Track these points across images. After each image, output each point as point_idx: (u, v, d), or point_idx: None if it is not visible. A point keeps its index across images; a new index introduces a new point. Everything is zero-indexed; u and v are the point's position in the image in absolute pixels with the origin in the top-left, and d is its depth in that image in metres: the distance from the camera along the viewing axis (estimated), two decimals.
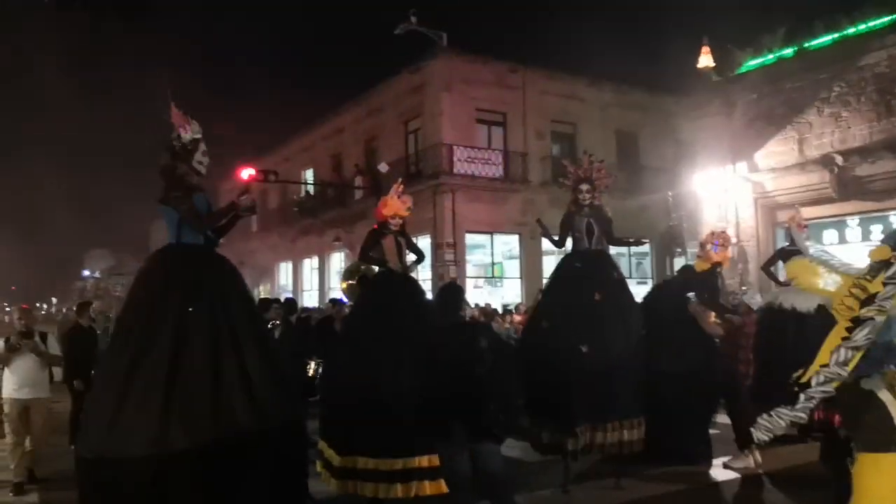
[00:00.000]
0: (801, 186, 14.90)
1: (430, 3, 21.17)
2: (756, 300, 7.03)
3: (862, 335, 2.63)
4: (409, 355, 5.05)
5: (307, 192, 26.77)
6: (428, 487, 4.81)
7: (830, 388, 2.70)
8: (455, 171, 19.38)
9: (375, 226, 5.95)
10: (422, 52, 20.56)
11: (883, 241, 2.85)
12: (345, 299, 11.41)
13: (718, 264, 7.45)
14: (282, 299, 11.08)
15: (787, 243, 7.67)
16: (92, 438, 3.69)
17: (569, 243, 6.72)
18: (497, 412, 4.77)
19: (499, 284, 21.19)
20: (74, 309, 12.24)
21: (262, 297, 19.46)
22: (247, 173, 16.92)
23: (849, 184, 14.14)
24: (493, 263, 21.26)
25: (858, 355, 2.65)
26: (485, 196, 19.96)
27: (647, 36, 42.07)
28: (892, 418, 2.70)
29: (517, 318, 13.80)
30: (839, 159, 14.11)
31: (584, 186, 6.58)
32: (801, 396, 2.75)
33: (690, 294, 7.02)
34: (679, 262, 17.89)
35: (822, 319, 3.00)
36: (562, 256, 6.94)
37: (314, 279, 27.65)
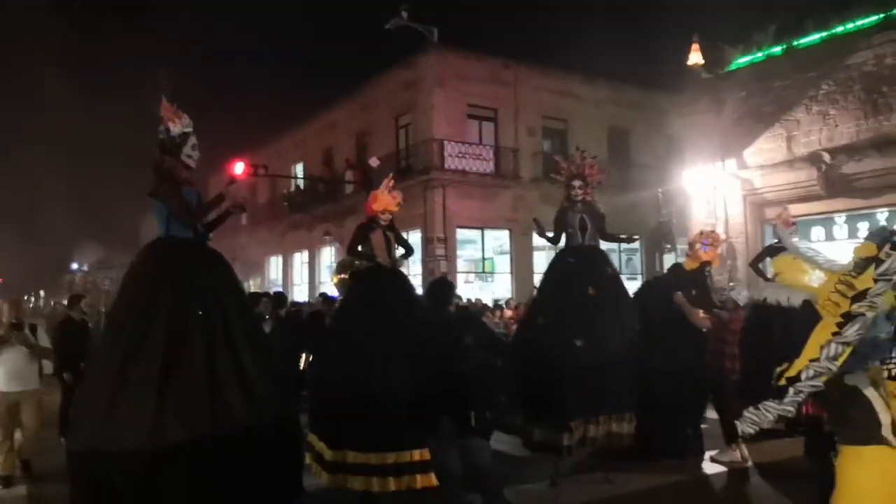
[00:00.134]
0: (790, 184, 15.00)
1: None
2: (743, 296, 7.08)
3: (853, 331, 2.66)
4: (397, 350, 5.07)
5: (297, 186, 26.70)
6: (419, 481, 4.85)
7: (820, 382, 2.73)
8: (446, 166, 19.37)
9: (365, 220, 5.96)
10: (413, 47, 20.52)
11: (868, 238, 2.88)
12: (336, 293, 11.41)
13: (707, 263, 7.49)
14: (271, 293, 11.08)
15: (776, 240, 7.74)
16: (84, 432, 3.67)
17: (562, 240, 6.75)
18: (483, 408, 4.80)
19: (489, 280, 21.23)
20: (64, 302, 12.14)
21: (251, 291, 19.41)
22: (238, 167, 16.85)
23: (836, 181, 14.24)
24: (483, 259, 21.29)
25: (848, 350, 2.67)
26: (475, 192, 19.96)
27: (639, 33, 42.10)
28: (875, 413, 2.74)
29: (508, 313, 13.86)
30: (827, 157, 14.21)
31: (577, 182, 6.62)
32: (790, 390, 2.77)
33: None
34: (668, 258, 18.01)
35: (807, 315, 3.03)
36: (555, 252, 6.98)
37: (304, 273, 27.60)
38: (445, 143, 19.45)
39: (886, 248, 2.70)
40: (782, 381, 2.81)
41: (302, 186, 26.35)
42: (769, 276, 7.58)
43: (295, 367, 8.00)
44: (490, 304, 15.93)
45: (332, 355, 5.63)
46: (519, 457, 6.48)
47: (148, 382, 3.62)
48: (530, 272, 20.36)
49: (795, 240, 3.40)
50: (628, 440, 6.01)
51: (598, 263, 6.55)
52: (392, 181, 5.99)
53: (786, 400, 2.79)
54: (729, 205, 16.34)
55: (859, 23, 14.23)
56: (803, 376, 2.74)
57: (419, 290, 7.12)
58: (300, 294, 25.54)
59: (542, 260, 19.81)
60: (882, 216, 14.07)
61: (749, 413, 2.88)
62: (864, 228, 13.82)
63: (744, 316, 6.63)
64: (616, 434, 5.97)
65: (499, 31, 44.45)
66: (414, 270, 18.07)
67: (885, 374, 2.83)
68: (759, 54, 16.03)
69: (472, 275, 20.97)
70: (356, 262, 5.96)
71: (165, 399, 3.59)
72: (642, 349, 6.27)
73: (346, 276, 6.26)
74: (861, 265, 2.76)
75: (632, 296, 7.02)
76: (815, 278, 2.98)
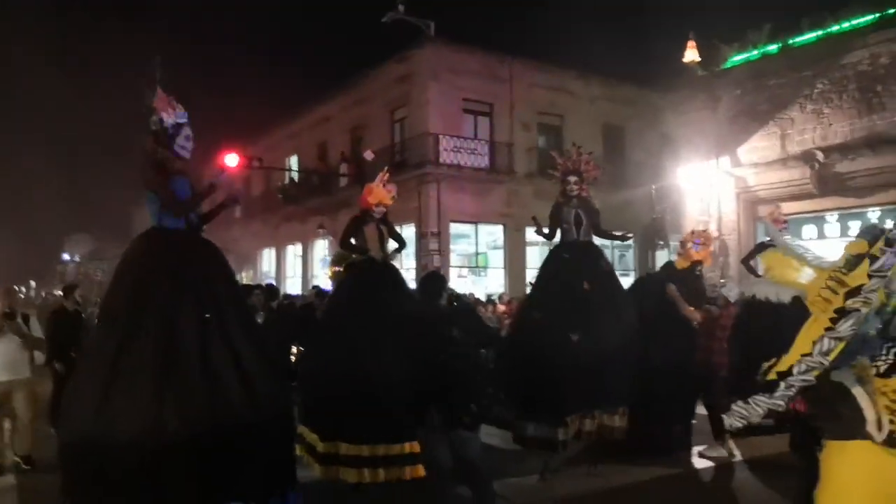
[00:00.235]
0: (783, 182, 15.08)
1: None
2: (734, 293, 7.12)
3: (846, 326, 2.67)
4: (388, 343, 5.09)
5: (291, 179, 26.64)
6: (408, 472, 4.89)
7: (811, 376, 2.74)
8: (441, 160, 19.36)
9: (358, 213, 5.97)
10: (409, 40, 20.46)
11: (859, 236, 2.90)
12: (330, 286, 11.37)
13: (699, 262, 7.53)
14: (264, 286, 11.04)
15: (768, 238, 7.77)
16: (77, 423, 3.64)
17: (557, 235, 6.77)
18: (468, 400, 4.81)
19: (483, 274, 21.27)
20: (56, 292, 12.07)
21: (244, 283, 19.37)
22: (233, 159, 16.77)
23: (829, 180, 14.32)
24: (477, 253, 21.32)
25: (841, 345, 2.69)
26: (470, 186, 19.97)
27: (635, 30, 42.08)
28: (861, 410, 2.76)
29: (501, 307, 13.88)
30: (820, 156, 14.28)
31: (573, 178, 6.63)
32: (782, 384, 2.79)
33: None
34: (661, 255, 18.08)
35: (797, 311, 3.05)
36: (550, 248, 7.00)
37: (297, 266, 27.57)
38: (440, 137, 19.43)
39: (881, 244, 2.72)
40: (772, 376, 2.83)
41: (296, 179, 26.29)
42: (760, 272, 7.63)
43: (286, 359, 8.00)
44: (483, 298, 15.95)
45: (322, 348, 5.64)
46: (509, 450, 6.51)
47: (142, 373, 3.59)
48: (523, 267, 20.41)
49: (787, 238, 3.41)
50: (620, 434, 6.04)
51: (593, 259, 6.57)
52: (387, 174, 6.00)
53: (776, 394, 2.81)
54: (722, 202, 16.41)
55: (855, 22, 14.29)
56: (795, 371, 2.75)
57: (412, 285, 7.13)
58: (293, 287, 25.49)
59: (535, 255, 19.85)
60: (874, 215, 14.16)
61: (738, 407, 2.89)
62: (855, 227, 13.91)
63: (734, 313, 6.68)
64: (608, 428, 6.00)
65: (495, 26, 44.36)
66: (407, 264, 18.08)
67: (874, 370, 2.85)
68: (755, 52, 16.08)
69: (466, 269, 21.00)
70: (353, 256, 5.97)
71: (160, 390, 3.56)
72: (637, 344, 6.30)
73: (341, 269, 6.26)
74: (852, 262, 2.78)
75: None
76: (804, 275, 3.00)
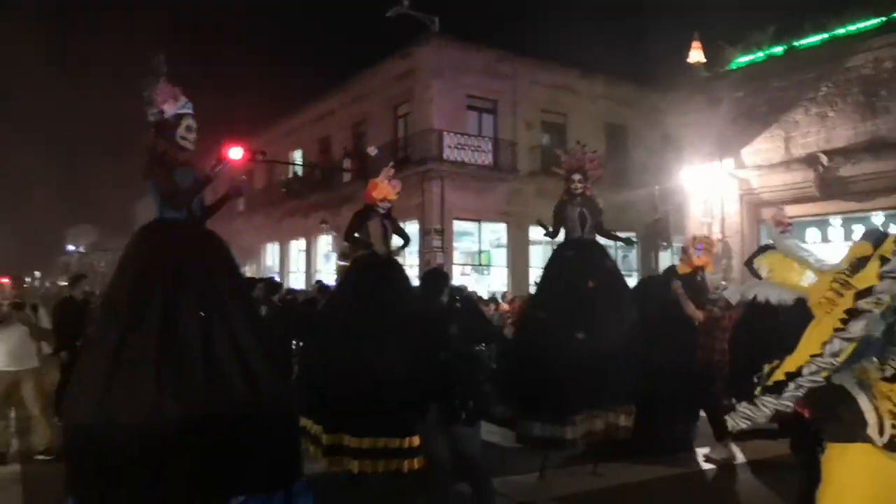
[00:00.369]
0: (786, 184, 15.06)
1: None
2: (735, 297, 7.11)
3: (858, 327, 2.67)
4: (389, 339, 5.11)
5: (294, 173, 26.64)
6: (406, 465, 4.94)
7: (820, 377, 2.75)
8: (444, 157, 19.33)
9: (363, 208, 5.97)
10: (413, 36, 20.44)
11: (863, 239, 2.91)
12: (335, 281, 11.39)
13: (701, 268, 7.51)
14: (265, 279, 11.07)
15: (771, 240, 7.76)
16: (80, 412, 3.66)
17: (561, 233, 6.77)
18: (466, 397, 4.82)
19: (485, 272, 21.25)
20: (59, 283, 12.08)
21: (246, 276, 19.37)
22: (237, 152, 16.73)
23: (832, 183, 14.31)
24: (480, 251, 21.29)
25: (852, 346, 2.69)
26: (473, 184, 19.95)
27: (638, 30, 42.05)
28: (861, 413, 2.77)
29: (504, 306, 13.88)
30: (824, 159, 14.26)
31: (577, 176, 6.63)
32: (790, 385, 2.78)
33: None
34: (664, 256, 18.06)
35: (798, 314, 3.06)
36: (554, 247, 6.99)
37: (301, 261, 27.57)
38: (444, 133, 19.40)
39: (892, 246, 2.72)
40: (780, 377, 2.82)
41: (300, 173, 26.28)
42: (762, 274, 7.59)
43: (287, 352, 8.03)
44: (486, 297, 15.94)
45: (326, 343, 5.66)
46: (509, 448, 6.51)
47: (144, 366, 3.61)
48: (526, 266, 20.40)
49: (790, 240, 3.41)
50: (625, 433, 6.03)
51: (597, 257, 6.57)
52: (392, 170, 6.00)
53: (785, 394, 2.80)
54: (725, 204, 16.41)
55: (858, 25, 14.26)
56: (805, 371, 2.75)
57: (415, 282, 7.14)
58: (297, 281, 25.52)
59: (538, 254, 19.84)
60: (877, 219, 14.15)
61: (743, 408, 2.89)
62: (859, 231, 13.89)
63: (735, 316, 6.68)
64: (615, 426, 5.99)
65: (498, 23, 44.28)
66: (411, 261, 18.08)
67: (879, 374, 2.85)
68: (759, 54, 16.05)
69: (469, 267, 20.96)
70: (359, 250, 6.00)
71: (162, 383, 3.58)
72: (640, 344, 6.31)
73: (348, 264, 6.29)
74: (857, 264, 2.79)
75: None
76: (806, 278, 3.00)
